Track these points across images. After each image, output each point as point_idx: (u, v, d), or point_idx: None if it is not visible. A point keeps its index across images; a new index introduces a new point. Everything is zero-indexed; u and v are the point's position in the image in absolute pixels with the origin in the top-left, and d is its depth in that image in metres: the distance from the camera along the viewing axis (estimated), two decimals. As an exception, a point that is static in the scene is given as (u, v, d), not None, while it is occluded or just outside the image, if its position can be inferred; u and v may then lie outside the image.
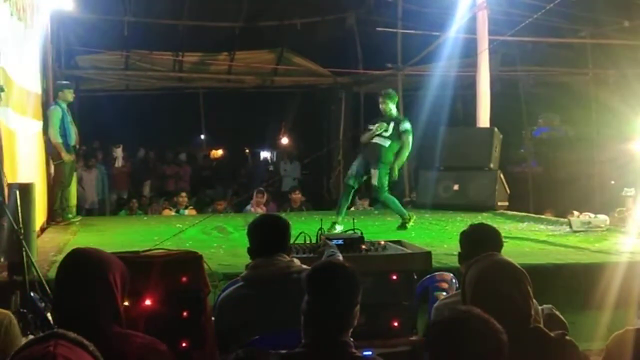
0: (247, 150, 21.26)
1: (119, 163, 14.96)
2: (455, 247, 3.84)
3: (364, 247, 4.42)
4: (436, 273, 4.64)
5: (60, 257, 5.82)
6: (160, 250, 4.35)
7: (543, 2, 11.06)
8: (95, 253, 2.76)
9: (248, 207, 11.75)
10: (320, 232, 4.69)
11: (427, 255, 4.45)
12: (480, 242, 3.47)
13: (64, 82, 9.67)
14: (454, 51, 13.02)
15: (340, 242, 4.36)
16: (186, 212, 11.58)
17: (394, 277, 4.22)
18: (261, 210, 11.50)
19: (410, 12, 14.13)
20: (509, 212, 10.38)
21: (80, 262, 2.71)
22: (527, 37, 13.20)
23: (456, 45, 12.92)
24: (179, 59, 15.42)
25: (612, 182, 13.25)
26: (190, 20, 14.51)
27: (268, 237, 3.55)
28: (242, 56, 15.67)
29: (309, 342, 2.63)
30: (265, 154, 22.03)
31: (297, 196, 12.41)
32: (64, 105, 9.05)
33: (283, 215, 11.05)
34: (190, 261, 4.11)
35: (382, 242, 4.59)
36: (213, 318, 3.85)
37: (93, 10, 12.77)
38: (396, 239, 4.91)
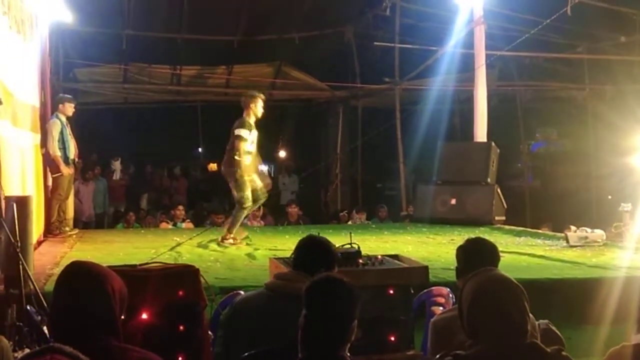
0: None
1: (117, 176, 14.96)
2: (452, 261, 3.84)
3: (361, 261, 4.42)
4: (433, 287, 4.64)
5: (57, 271, 5.84)
6: (157, 264, 4.36)
7: (540, 18, 11.14)
8: (94, 266, 2.76)
9: (245, 220, 11.73)
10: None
11: (424, 269, 4.46)
12: (477, 257, 3.46)
13: (66, 95, 9.65)
14: (452, 66, 13.09)
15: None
16: (183, 225, 11.57)
17: (391, 292, 4.22)
18: (257, 224, 11.49)
19: (408, 26, 14.21)
20: (506, 227, 10.39)
21: (79, 274, 2.70)
22: (524, 52, 13.27)
23: (453, 60, 12.99)
24: (177, 73, 15.46)
25: (609, 196, 13.27)
26: (189, 34, 14.55)
27: (305, 254, 3.59)
28: (240, 70, 15.71)
29: (306, 357, 2.63)
30: (262, 168, 22.00)
31: (294, 210, 12.42)
32: (64, 118, 9.05)
33: (280, 228, 11.08)
34: (186, 275, 4.12)
35: (379, 257, 4.59)
36: (210, 332, 3.84)
37: (92, 24, 12.81)
38: (393, 254, 4.91)
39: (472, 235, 4.20)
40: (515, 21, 12.25)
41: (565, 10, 10.20)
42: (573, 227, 8.18)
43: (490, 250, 3.58)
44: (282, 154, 18.98)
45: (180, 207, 12.14)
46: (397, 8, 13.76)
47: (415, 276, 4.42)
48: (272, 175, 20.58)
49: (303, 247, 3.64)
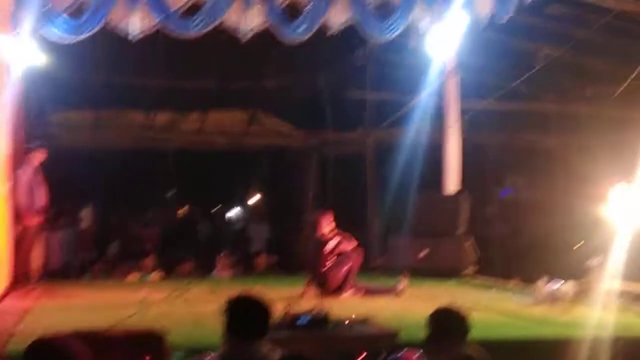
0: (214, 211, 21.04)
1: (86, 224, 14.75)
2: (422, 315, 3.81)
3: (329, 326, 4.38)
4: (403, 351, 4.59)
5: (21, 328, 5.73)
6: (121, 330, 4.29)
7: (511, 70, 11.35)
8: (59, 345, 2.70)
9: (214, 272, 11.58)
10: (287, 307, 4.63)
11: (393, 336, 4.43)
12: (447, 328, 3.58)
13: (35, 143, 9.57)
14: (425, 114, 13.19)
15: (305, 322, 4.33)
16: (152, 275, 11.38)
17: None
18: (227, 274, 11.36)
19: (382, 75, 14.31)
20: (476, 280, 10.44)
21: (42, 354, 2.66)
22: (496, 103, 13.43)
23: (427, 108, 13.10)
24: (150, 118, 15.41)
25: (578, 246, 13.35)
26: (163, 80, 14.55)
27: (248, 319, 3.32)
28: (214, 116, 15.72)
29: None
30: (232, 214, 21.87)
31: (262, 260, 12.30)
32: (33, 167, 8.95)
33: (250, 279, 10.95)
34: (151, 340, 4.06)
35: (348, 321, 4.56)
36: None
37: (64, 68, 12.75)
38: (363, 317, 4.86)
39: (442, 289, 4.19)
40: (487, 71, 12.44)
41: (535, 67, 10.42)
42: (543, 280, 8.24)
43: (459, 322, 3.63)
44: (254, 201, 18.93)
45: (150, 257, 11.98)
46: (370, 58, 13.87)
47: (384, 343, 4.39)
48: (244, 221, 20.48)
49: (232, 313, 3.36)
